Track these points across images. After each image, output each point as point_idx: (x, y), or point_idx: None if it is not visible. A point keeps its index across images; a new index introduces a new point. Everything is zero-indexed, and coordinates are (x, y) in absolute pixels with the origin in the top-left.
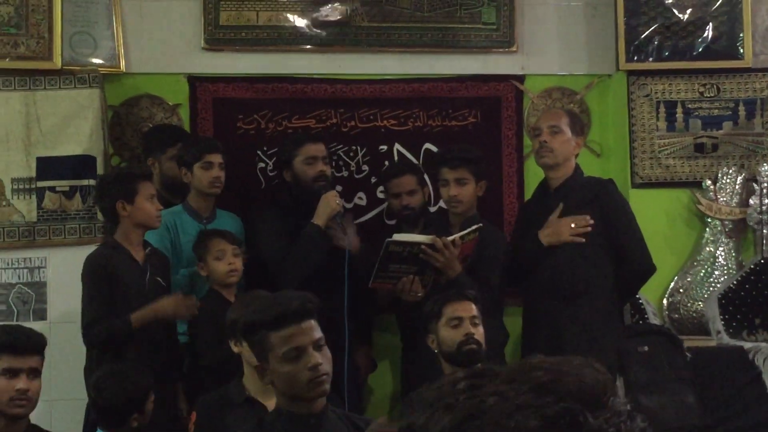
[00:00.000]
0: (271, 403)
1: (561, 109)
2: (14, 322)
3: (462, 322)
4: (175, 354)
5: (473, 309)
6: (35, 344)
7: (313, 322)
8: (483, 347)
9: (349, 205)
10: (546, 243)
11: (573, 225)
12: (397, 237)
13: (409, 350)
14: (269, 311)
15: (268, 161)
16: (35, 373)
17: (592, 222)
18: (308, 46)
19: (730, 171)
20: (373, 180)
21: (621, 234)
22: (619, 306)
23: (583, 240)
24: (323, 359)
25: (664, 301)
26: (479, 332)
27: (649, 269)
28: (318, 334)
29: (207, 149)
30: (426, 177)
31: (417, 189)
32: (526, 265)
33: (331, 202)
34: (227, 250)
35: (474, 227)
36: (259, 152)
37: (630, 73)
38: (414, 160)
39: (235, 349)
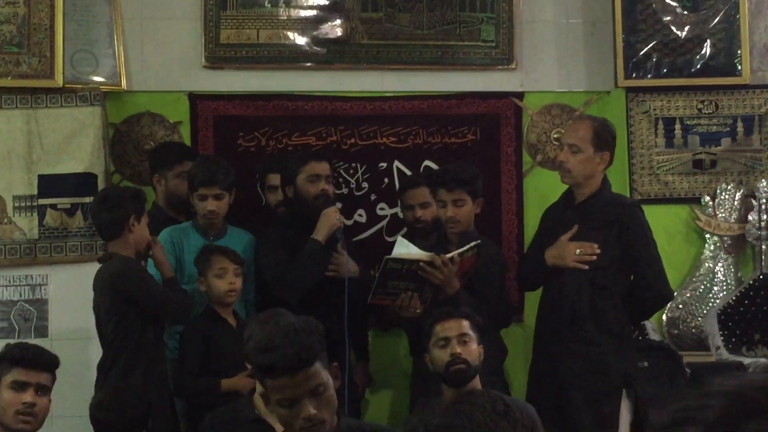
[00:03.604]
0: (280, 426)
1: (588, 121)
2: (20, 340)
3: (449, 342)
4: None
5: (462, 326)
6: (47, 362)
7: (311, 370)
8: (473, 365)
9: (349, 222)
10: (550, 264)
11: (578, 251)
12: (395, 254)
13: (418, 365)
14: (262, 357)
15: None
16: (44, 390)
17: (598, 251)
18: (308, 64)
19: (729, 187)
20: (373, 197)
21: (640, 260)
22: (629, 328)
23: (586, 267)
24: (320, 406)
25: (664, 317)
26: (468, 350)
27: (666, 297)
28: (316, 381)
29: (202, 183)
30: None
31: (431, 201)
32: (531, 281)
33: (331, 217)
34: (229, 269)
35: (472, 244)
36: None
37: (628, 89)
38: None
39: (249, 367)
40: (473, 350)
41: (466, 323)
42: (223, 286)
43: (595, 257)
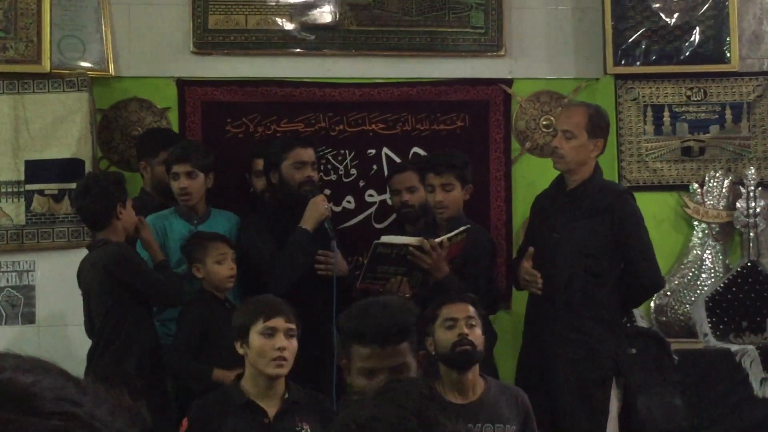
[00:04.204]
0: (271, 408)
1: (583, 107)
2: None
3: (456, 323)
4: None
5: (469, 310)
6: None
7: (399, 347)
8: (478, 349)
9: (337, 209)
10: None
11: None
12: (384, 239)
13: None
14: (355, 323)
15: None
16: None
17: (540, 284)
18: (297, 50)
19: (717, 174)
20: (362, 184)
21: (631, 248)
22: (621, 315)
23: (539, 292)
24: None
25: (652, 304)
26: (475, 334)
27: (656, 285)
28: (400, 359)
29: (175, 160)
30: None
31: (418, 186)
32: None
33: (319, 206)
34: (228, 254)
35: (461, 229)
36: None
37: (617, 76)
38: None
39: (240, 351)
40: (478, 335)
41: (472, 308)
42: (225, 272)
43: (539, 292)
